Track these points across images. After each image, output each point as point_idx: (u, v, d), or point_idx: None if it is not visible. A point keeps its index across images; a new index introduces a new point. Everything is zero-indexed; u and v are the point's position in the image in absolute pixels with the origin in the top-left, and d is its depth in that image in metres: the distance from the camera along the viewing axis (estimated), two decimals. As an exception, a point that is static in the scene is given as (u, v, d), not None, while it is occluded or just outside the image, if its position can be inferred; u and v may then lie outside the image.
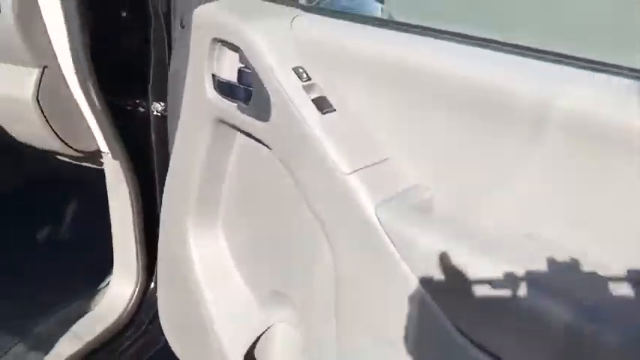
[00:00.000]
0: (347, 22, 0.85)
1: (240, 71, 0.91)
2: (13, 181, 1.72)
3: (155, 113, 1.30)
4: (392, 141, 0.79)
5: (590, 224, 0.61)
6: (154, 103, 1.30)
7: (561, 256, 0.61)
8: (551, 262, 0.61)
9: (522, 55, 0.65)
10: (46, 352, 1.32)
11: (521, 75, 0.63)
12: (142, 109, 1.38)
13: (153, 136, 1.32)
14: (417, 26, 0.75)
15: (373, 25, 0.82)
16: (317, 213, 0.83)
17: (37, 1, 1.13)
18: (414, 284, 0.70)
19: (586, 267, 0.60)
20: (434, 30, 0.73)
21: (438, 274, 0.67)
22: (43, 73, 1.22)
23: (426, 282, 0.69)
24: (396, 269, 0.72)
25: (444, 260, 0.66)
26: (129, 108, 1.39)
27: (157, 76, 1.26)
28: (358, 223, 0.75)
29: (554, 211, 0.62)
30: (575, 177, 0.60)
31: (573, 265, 0.61)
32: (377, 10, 0.94)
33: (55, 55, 1.18)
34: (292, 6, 0.93)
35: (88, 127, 1.30)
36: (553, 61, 0.62)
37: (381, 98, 0.79)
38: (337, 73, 0.83)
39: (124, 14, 1.32)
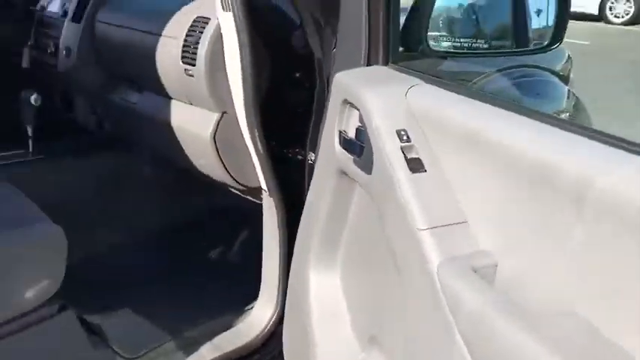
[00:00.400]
0: (454, 94, 0.93)
1: (357, 129, 1.04)
2: (195, 205, 2.05)
3: (309, 162, 1.48)
4: (470, 205, 0.83)
5: (626, 309, 0.60)
6: (310, 152, 1.48)
7: (595, 340, 0.61)
8: (584, 345, 0.61)
9: (577, 133, 0.66)
10: (189, 354, 1.53)
11: (570, 151, 0.65)
12: (299, 157, 1.57)
13: (306, 181, 1.49)
14: (500, 100, 0.80)
15: (476, 98, 0.89)
16: (396, 263, 0.90)
17: (224, 60, 1.39)
18: (459, 343, 0.74)
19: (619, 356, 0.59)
20: (513, 104, 0.77)
21: (477, 339, 0.70)
22: (221, 117, 1.48)
23: (467, 343, 0.72)
24: (447, 326, 0.76)
25: (484, 326, 0.69)
26: (289, 155, 1.59)
27: (315, 130, 1.44)
28: (423, 277, 0.81)
29: (590, 292, 0.62)
30: (612, 259, 0.60)
31: (606, 349, 0.60)
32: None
33: (232, 103, 1.43)
34: (416, 76, 1.03)
35: (253, 167, 1.52)
36: (604, 142, 0.63)
37: (466, 164, 0.84)
38: (434, 138, 0.90)
39: (297, 75, 1.53)
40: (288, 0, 1.40)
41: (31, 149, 2.04)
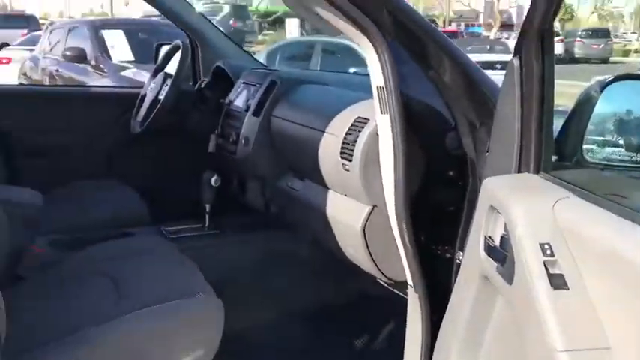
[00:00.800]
0: (605, 211, 0.89)
1: (502, 237, 1.03)
2: (346, 290, 2.12)
3: (457, 261, 1.47)
4: (615, 331, 0.78)
5: None
6: (459, 251, 1.48)
7: None
8: None
9: None
10: None
11: None
12: (448, 255, 1.57)
13: (452, 280, 1.48)
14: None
15: (628, 218, 0.85)
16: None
17: (379, 158, 1.47)
18: None
19: None
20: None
21: None
22: (372, 210, 1.55)
23: None
24: None
25: None
26: (438, 252, 1.59)
27: (464, 230, 1.45)
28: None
29: None
30: None
31: None
32: None
33: (384, 198, 1.49)
34: (567, 188, 1.01)
35: (401, 261, 1.55)
36: None
37: (613, 286, 0.80)
38: (579, 255, 0.87)
39: (450, 174, 1.56)
40: (443, 102, 1.46)
41: (206, 224, 2.28)
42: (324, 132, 1.70)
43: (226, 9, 19.34)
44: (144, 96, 2.55)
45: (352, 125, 1.59)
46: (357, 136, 1.55)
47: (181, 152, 2.68)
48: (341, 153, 1.60)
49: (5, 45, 12.35)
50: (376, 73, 1.41)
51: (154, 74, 2.61)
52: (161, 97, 2.39)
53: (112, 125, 2.66)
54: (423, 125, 1.47)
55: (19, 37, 12.41)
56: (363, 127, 1.55)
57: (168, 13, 2.67)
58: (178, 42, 2.47)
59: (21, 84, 7.28)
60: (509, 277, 0.97)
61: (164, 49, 2.70)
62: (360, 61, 1.46)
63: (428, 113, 1.48)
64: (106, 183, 2.44)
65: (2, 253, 1.52)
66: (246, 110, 2.15)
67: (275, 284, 2.18)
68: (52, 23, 9.44)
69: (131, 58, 6.30)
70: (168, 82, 2.42)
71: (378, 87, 1.42)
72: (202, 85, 2.56)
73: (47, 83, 6.96)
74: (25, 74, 8.02)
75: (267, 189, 2.24)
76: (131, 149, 2.65)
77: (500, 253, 1.03)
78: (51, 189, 2.18)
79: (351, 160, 1.56)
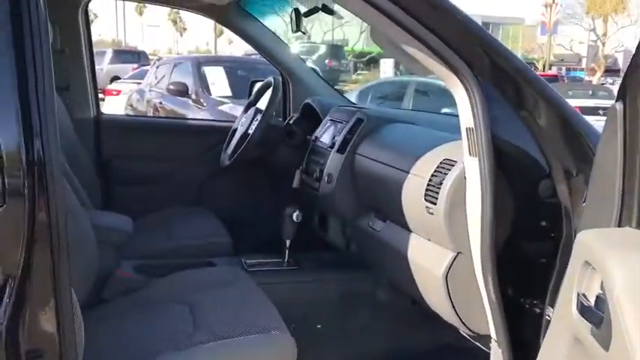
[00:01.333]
0: None
1: (597, 296, 0.93)
2: (422, 338, 2.02)
3: (547, 317, 1.36)
4: None
5: None
6: (549, 307, 1.37)
7: None
8: None
9: None
10: None
11: None
12: (536, 310, 1.46)
13: (541, 338, 1.37)
14: None
15: None
16: None
17: (465, 202, 1.40)
18: None
19: None
20: None
21: None
22: (456, 257, 1.47)
23: None
24: None
25: None
26: (525, 306, 1.48)
27: (556, 285, 1.34)
28: None
29: None
30: None
31: None
32: None
33: (469, 245, 1.42)
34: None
35: (484, 313, 1.46)
36: None
37: None
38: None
39: (542, 224, 1.46)
40: (537, 147, 1.37)
41: (286, 259, 2.27)
42: (408, 172, 1.66)
43: (323, 49, 19.84)
44: (235, 130, 2.62)
45: (438, 167, 1.54)
46: (443, 179, 1.49)
47: (266, 186, 2.71)
48: (425, 195, 1.54)
49: (116, 78, 13.30)
50: (465, 113, 1.36)
51: (246, 109, 2.68)
52: (250, 131, 2.45)
53: (203, 156, 2.75)
54: (514, 170, 1.39)
55: (130, 70, 13.33)
56: (449, 169, 1.49)
57: (264, 51, 2.75)
58: (270, 78, 2.53)
59: (127, 115, 7.75)
60: (605, 343, 0.87)
61: (257, 86, 2.77)
62: (454, 102, 1.42)
63: (520, 157, 1.40)
64: (194, 211, 2.50)
65: (90, 276, 1.58)
66: (332, 147, 2.15)
67: (350, 326, 2.12)
68: (159, 59, 10.04)
69: (229, 93, 6.53)
70: (259, 116, 2.47)
71: (467, 128, 1.37)
72: (291, 121, 2.59)
73: (150, 115, 7.36)
74: (131, 105, 8.53)
75: (347, 227, 2.20)
76: (219, 180, 2.72)
77: (596, 314, 0.93)
78: (142, 215, 2.26)
79: (435, 203, 1.50)
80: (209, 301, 1.66)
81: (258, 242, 2.38)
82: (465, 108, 1.35)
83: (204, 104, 6.48)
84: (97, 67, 2.80)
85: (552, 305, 1.34)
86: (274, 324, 1.51)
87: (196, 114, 6.24)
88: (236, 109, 5.77)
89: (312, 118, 2.49)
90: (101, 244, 1.66)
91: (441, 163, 1.54)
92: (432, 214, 1.51)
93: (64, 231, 1.06)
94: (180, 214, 2.43)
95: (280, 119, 2.73)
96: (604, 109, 8.03)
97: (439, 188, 1.49)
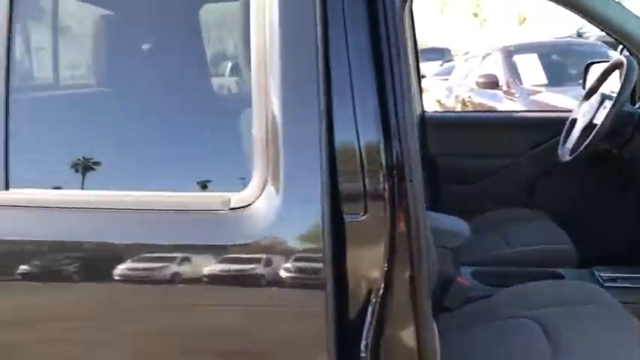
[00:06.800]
0: None
1: None
2: None
3: None
4: None
5: None
6: None
7: None
8: None
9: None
10: None
11: None
12: None
13: None
14: None
15: None
16: None
17: None
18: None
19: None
20: None
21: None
22: None
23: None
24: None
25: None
26: None
27: None
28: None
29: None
30: None
31: None
32: None
33: None
34: None
35: None
36: None
37: None
38: None
39: None
40: None
41: None
42: None
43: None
44: (574, 120, 2.29)
45: None
46: None
47: (615, 184, 2.31)
48: None
49: (422, 77, 13.62)
50: None
51: (587, 96, 2.32)
52: (597, 120, 2.09)
53: (534, 152, 2.49)
54: None
55: (434, 68, 13.52)
56: None
57: (611, 28, 2.34)
58: (621, 58, 2.13)
59: (435, 111, 7.84)
60: None
61: (596, 68, 2.40)
62: None
63: None
64: (527, 214, 2.27)
65: (433, 284, 1.50)
66: None
67: None
68: (466, 53, 9.90)
69: (545, 81, 6.05)
70: (606, 104, 2.10)
71: None
72: (642, 108, 2.15)
73: (459, 109, 7.28)
74: (438, 102, 8.59)
75: None
76: (555, 179, 2.43)
77: None
78: (467, 216, 2.12)
79: None
80: (564, 322, 1.44)
81: (609, 251, 2.02)
82: None
83: (516, 95, 6.15)
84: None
85: None
86: None
87: (507, 106, 5.97)
88: (551, 98, 5.31)
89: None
90: (440, 249, 1.57)
91: None
92: None
93: (424, 238, 0.98)
94: (513, 217, 2.22)
95: (631, 105, 2.30)
96: None
97: None
